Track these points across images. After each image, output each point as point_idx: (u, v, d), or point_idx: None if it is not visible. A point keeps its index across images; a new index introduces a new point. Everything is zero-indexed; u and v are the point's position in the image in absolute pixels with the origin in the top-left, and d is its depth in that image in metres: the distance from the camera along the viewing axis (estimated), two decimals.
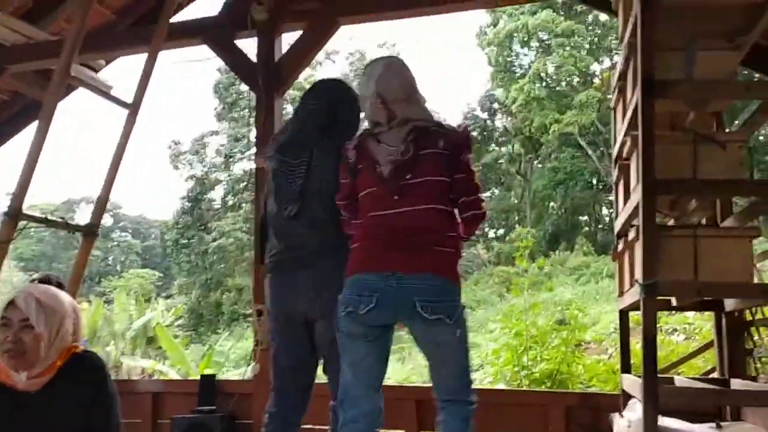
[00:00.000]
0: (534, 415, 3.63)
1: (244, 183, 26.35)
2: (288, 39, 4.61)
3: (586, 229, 29.85)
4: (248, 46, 4.58)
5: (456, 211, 2.46)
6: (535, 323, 7.02)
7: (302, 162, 2.68)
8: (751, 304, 2.99)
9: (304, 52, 4.44)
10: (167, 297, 27.24)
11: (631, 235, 2.84)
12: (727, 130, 3.31)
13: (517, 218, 31.40)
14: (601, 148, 27.45)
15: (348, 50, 30.17)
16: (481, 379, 10.61)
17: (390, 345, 2.49)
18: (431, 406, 3.64)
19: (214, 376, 4.42)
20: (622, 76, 3.20)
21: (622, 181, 3.22)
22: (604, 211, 29.58)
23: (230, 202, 28.22)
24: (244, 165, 27.84)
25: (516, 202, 32.00)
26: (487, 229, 33.06)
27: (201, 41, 4.65)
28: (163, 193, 71.40)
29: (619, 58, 3.21)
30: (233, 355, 14.83)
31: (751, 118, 2.88)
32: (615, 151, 3.38)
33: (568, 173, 28.44)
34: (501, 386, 7.23)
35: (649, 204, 2.53)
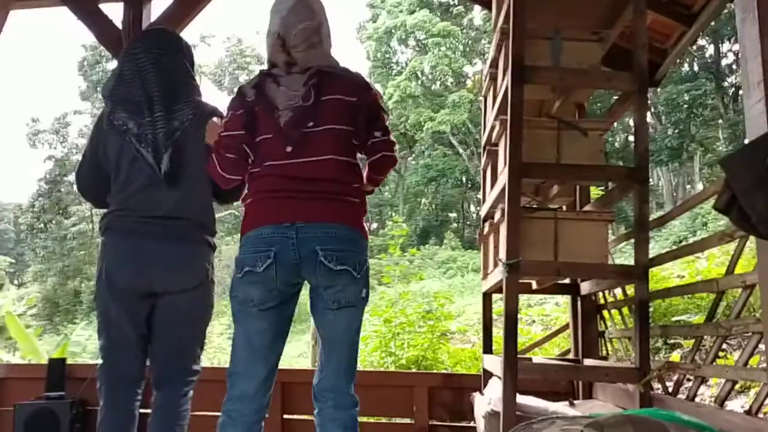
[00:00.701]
0: (399, 395, 3.65)
1: None
2: (158, 7, 4.38)
3: (455, 225, 30.79)
4: (114, 12, 4.31)
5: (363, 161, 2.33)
6: (404, 312, 7.12)
7: (158, 117, 2.54)
8: (604, 287, 3.15)
9: (174, 22, 4.20)
10: (20, 285, 25.47)
11: (497, 217, 2.91)
12: None
13: (390, 213, 31.88)
14: (471, 148, 28.42)
15: (225, 35, 29.52)
16: None
17: (291, 316, 2.28)
18: (297, 388, 3.64)
19: (64, 359, 4.12)
20: (494, 63, 3.27)
21: (490, 167, 3.30)
22: (472, 208, 30.68)
23: None
24: None
25: (390, 197, 32.51)
26: None
27: (60, 2, 4.31)
28: (18, 174, 66.47)
29: (491, 46, 3.28)
30: (91, 346, 13.99)
31: (610, 109, 3.04)
32: (484, 138, 3.45)
33: (439, 171, 29.25)
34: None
35: (514, 186, 2.60)
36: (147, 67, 2.61)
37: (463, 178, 29.64)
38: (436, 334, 6.71)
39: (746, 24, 1.58)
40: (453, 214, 32.10)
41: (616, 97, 3.24)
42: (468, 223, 30.48)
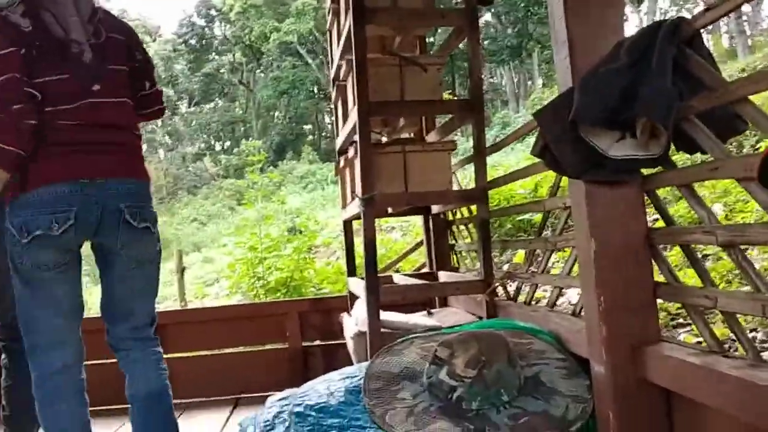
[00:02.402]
0: (272, 324, 3.85)
1: None
2: None
3: (311, 137, 30.74)
4: None
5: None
6: (269, 235, 7.26)
7: None
8: (452, 206, 3.45)
9: None
10: None
11: (351, 153, 3.08)
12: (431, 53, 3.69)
13: (243, 129, 31.24)
14: (320, 57, 28.12)
15: None
16: (218, 293, 10.78)
17: (81, 276, 2.14)
18: (169, 329, 3.75)
19: None
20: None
21: (340, 101, 3.43)
22: (326, 119, 30.66)
23: None
24: None
25: (241, 113, 31.77)
26: (213, 143, 32.49)
27: None
28: None
29: None
30: None
31: (447, 42, 3.23)
32: (332, 73, 3.57)
33: (290, 83, 28.83)
34: (238, 297, 7.45)
35: (364, 125, 2.77)
36: None
37: (315, 89, 29.45)
38: (301, 255, 6.91)
39: None
40: (308, 126, 31.97)
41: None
42: (324, 134, 30.53)
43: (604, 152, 1.60)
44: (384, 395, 1.99)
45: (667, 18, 1.56)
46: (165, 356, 3.76)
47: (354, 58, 2.78)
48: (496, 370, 1.91)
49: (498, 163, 9.94)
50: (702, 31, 1.51)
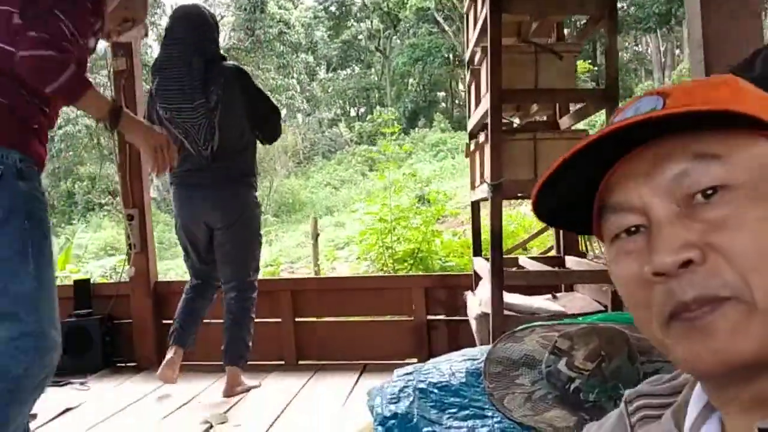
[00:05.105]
0: (400, 296, 4.01)
1: (89, 65, 24.57)
2: None
3: (443, 105, 30.65)
4: None
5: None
6: (399, 206, 7.47)
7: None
8: None
9: None
10: None
11: (481, 138, 3.15)
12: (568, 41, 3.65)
13: (377, 96, 31.63)
14: (457, 23, 27.83)
15: None
16: (347, 256, 11.19)
17: None
18: (305, 295, 4.03)
19: (88, 280, 4.46)
20: None
21: (474, 85, 3.49)
22: (461, 86, 30.41)
23: None
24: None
25: (376, 79, 32.16)
26: (348, 108, 33.21)
27: None
28: None
29: None
30: (92, 246, 14.27)
31: (583, 29, 3.19)
32: (467, 56, 3.62)
33: (425, 50, 28.76)
34: (366, 264, 7.74)
35: (495, 113, 2.82)
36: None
37: (450, 56, 29.22)
38: (429, 227, 7.06)
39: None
40: (441, 94, 31.89)
41: None
42: (457, 102, 30.34)
43: None
44: (503, 380, 2.09)
45: None
46: (300, 320, 4.08)
47: (489, 45, 2.83)
48: (615, 366, 1.96)
49: None
50: None
